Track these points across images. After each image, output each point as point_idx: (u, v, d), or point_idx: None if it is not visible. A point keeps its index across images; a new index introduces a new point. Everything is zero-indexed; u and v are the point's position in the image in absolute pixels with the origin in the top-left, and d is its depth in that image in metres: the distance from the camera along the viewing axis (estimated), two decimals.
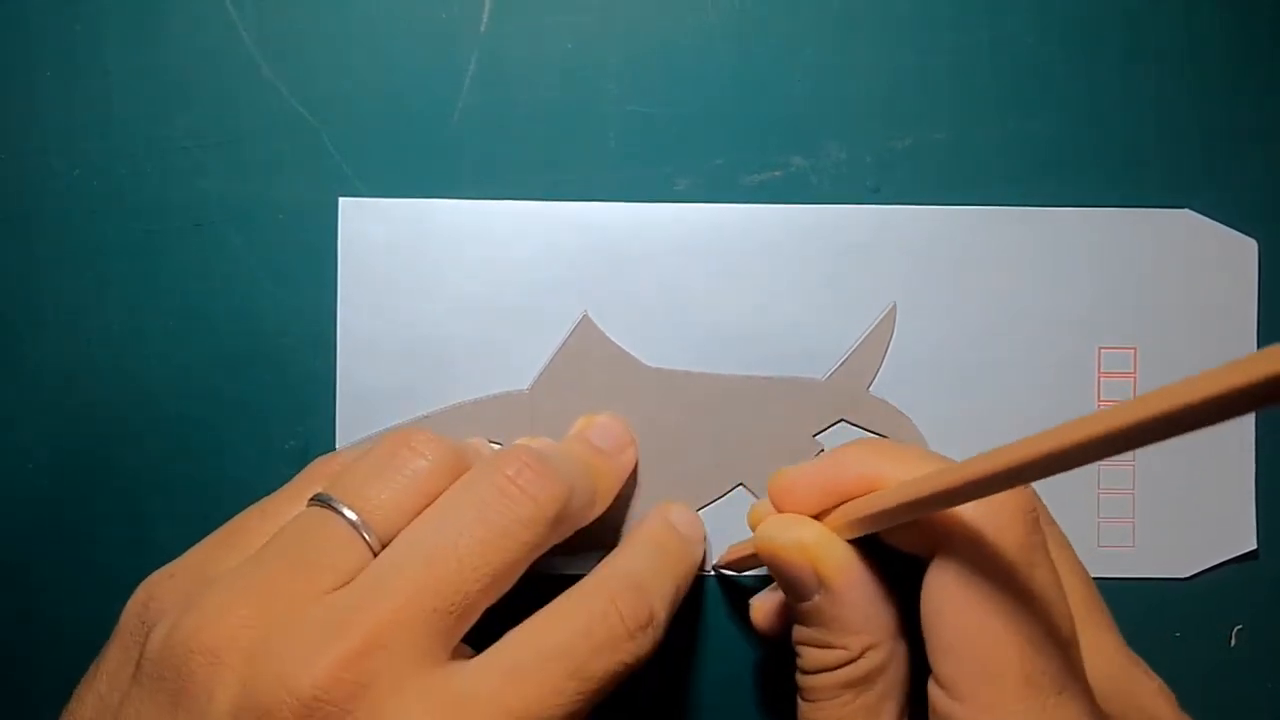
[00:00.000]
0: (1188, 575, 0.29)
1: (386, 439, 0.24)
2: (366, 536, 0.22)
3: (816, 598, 0.22)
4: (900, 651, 0.22)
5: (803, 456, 0.28)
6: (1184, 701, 0.29)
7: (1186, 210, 0.29)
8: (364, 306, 0.28)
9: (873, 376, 0.29)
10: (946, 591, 0.20)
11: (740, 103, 0.29)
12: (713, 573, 0.29)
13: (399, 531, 0.22)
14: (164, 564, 0.28)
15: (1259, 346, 0.29)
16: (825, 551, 0.22)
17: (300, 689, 0.19)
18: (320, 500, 0.23)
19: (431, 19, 0.29)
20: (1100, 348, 0.29)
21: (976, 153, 0.29)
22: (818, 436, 0.29)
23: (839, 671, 0.22)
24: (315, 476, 0.25)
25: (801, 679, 0.23)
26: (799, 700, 0.23)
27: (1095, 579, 0.29)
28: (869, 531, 0.22)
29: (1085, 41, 0.29)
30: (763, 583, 0.28)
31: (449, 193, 0.29)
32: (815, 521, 0.22)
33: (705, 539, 0.28)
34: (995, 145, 0.29)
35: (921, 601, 0.21)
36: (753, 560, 0.26)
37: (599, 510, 0.26)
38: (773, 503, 0.23)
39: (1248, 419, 0.29)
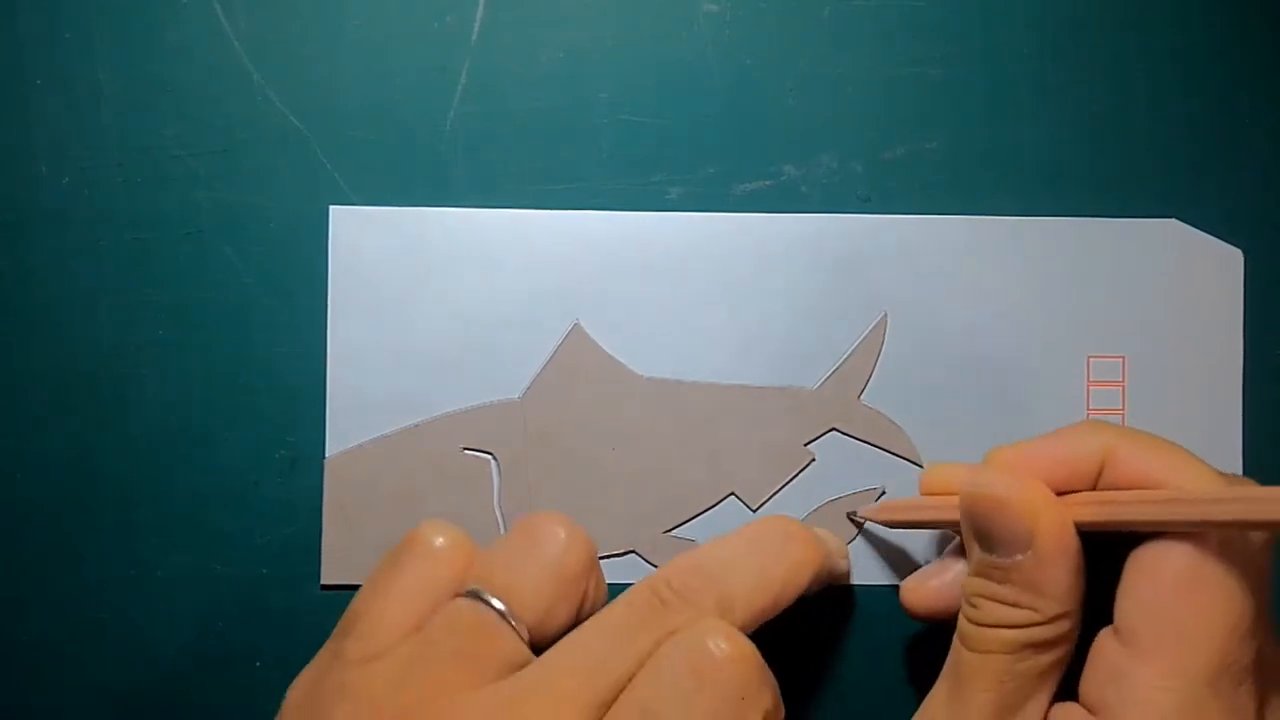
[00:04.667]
0: None
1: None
2: (515, 625, 0.22)
3: (1020, 556, 0.22)
4: (1078, 623, 0.22)
5: (794, 466, 0.29)
6: None
7: (1173, 220, 0.29)
8: (355, 315, 0.28)
9: (864, 386, 0.29)
10: (1173, 557, 0.21)
11: (732, 112, 0.29)
12: (858, 520, 0.28)
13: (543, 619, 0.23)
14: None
15: (1246, 356, 0.29)
16: (1047, 513, 0.22)
17: None
18: (471, 594, 0.23)
19: (423, 28, 0.29)
20: (1090, 356, 0.29)
21: (967, 163, 0.29)
22: (809, 445, 0.29)
23: (1021, 631, 0.22)
24: (437, 562, 0.24)
25: (972, 630, 0.23)
26: (958, 644, 0.23)
27: None
28: (1110, 528, 0.22)
29: (1075, 53, 0.29)
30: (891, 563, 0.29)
31: (441, 201, 0.29)
32: (1040, 483, 0.22)
33: (848, 557, 0.28)
34: (985, 156, 0.29)
35: (1136, 552, 0.21)
36: (914, 517, 0.26)
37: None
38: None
39: (1234, 424, 0.29)
